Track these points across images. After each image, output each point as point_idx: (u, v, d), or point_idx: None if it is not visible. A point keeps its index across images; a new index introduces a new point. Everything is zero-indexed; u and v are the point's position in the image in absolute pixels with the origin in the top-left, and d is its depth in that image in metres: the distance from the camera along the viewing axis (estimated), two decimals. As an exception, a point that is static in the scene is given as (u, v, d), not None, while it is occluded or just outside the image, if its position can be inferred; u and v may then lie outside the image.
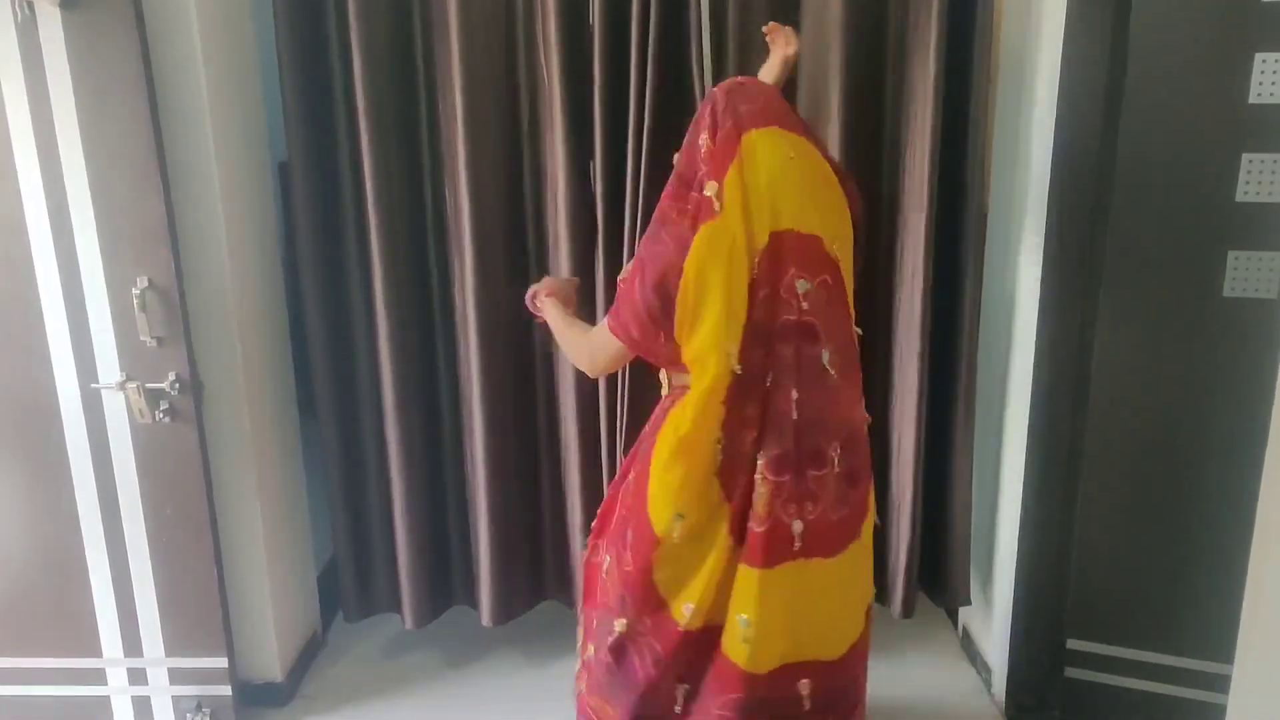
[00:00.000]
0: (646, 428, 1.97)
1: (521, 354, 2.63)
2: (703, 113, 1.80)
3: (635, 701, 1.93)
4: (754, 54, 2.37)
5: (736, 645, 1.84)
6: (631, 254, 2.46)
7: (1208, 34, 2.02)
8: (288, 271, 2.69)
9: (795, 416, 1.77)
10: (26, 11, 2.05)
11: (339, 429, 2.65)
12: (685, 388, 1.82)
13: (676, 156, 1.85)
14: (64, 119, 2.12)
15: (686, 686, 1.92)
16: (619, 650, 1.93)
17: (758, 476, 1.79)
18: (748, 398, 1.77)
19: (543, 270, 2.58)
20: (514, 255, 2.55)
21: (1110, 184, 2.15)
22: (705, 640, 1.88)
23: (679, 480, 1.80)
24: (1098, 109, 2.13)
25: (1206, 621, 2.22)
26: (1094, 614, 2.37)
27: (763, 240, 1.72)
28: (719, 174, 1.72)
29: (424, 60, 2.45)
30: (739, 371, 1.74)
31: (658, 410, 1.96)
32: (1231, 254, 2.07)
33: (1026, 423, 2.36)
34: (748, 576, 1.82)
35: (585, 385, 2.58)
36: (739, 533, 1.82)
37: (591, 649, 2.02)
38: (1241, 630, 1.75)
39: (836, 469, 1.83)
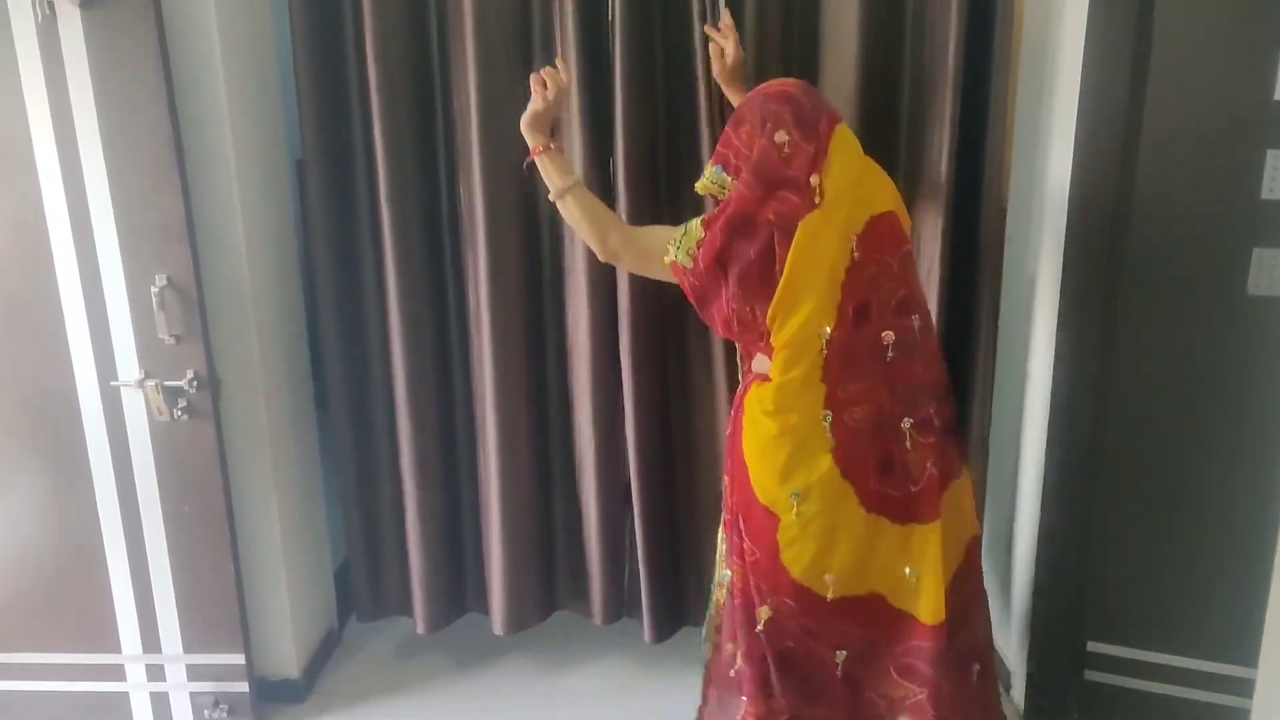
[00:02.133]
0: (730, 425, 2.03)
1: (537, 353, 2.61)
2: (774, 112, 1.82)
3: (795, 676, 2.02)
4: (771, 47, 2.36)
5: (912, 599, 1.95)
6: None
7: (1232, 29, 2.00)
8: (304, 269, 2.70)
9: (918, 382, 1.91)
10: (47, 11, 2.07)
11: (352, 429, 2.66)
12: (763, 376, 1.90)
13: (723, 156, 1.89)
14: (84, 118, 2.14)
15: (844, 653, 1.99)
16: (772, 634, 1.98)
17: (908, 443, 1.89)
18: (854, 374, 1.86)
19: (557, 269, 2.57)
20: (529, 253, 2.54)
21: (1133, 180, 2.12)
22: (861, 608, 1.96)
23: (785, 461, 1.88)
24: (1120, 104, 2.11)
25: (1229, 624, 2.19)
26: (1114, 617, 2.35)
27: (859, 225, 1.83)
28: (817, 168, 1.80)
29: (439, 57, 2.45)
30: (827, 353, 1.83)
31: (736, 403, 2.02)
32: (1256, 251, 2.04)
33: (1046, 422, 2.34)
34: (929, 532, 1.92)
35: (603, 387, 2.56)
36: (874, 501, 1.90)
37: (740, 660, 2.06)
38: (1265, 633, 1.72)
39: (937, 425, 1.95)
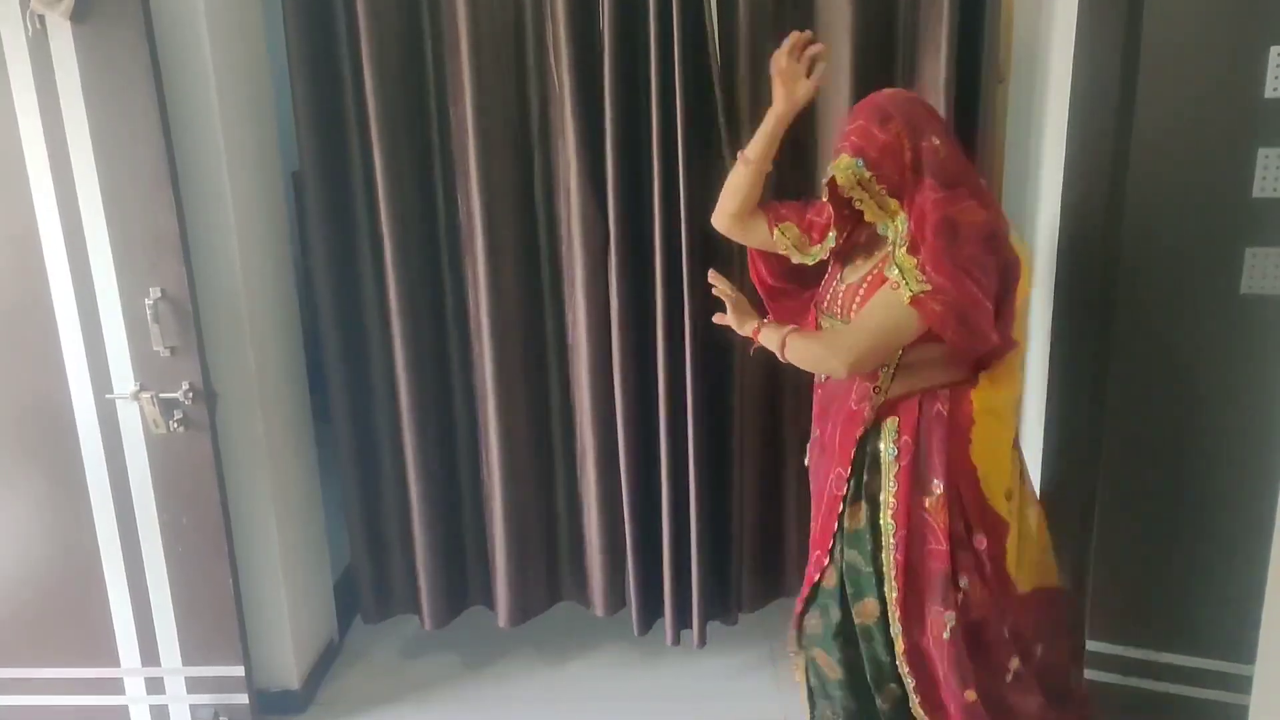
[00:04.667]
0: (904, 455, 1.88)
1: (536, 357, 2.63)
2: (925, 117, 1.81)
3: None
4: (764, 57, 2.36)
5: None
6: (644, 258, 2.46)
7: (1222, 28, 2.00)
8: (302, 279, 2.69)
9: None
10: (38, 25, 2.07)
11: (355, 434, 2.66)
12: (953, 383, 1.87)
13: (861, 149, 1.79)
14: (76, 131, 2.13)
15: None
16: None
17: None
18: None
19: (556, 275, 2.58)
20: (527, 260, 2.55)
21: (1125, 181, 2.13)
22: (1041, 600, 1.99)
23: (1014, 459, 1.95)
24: (1111, 105, 2.11)
25: (1227, 622, 2.19)
26: (1113, 616, 2.35)
27: None
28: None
29: (434, 68, 2.45)
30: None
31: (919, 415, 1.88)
32: (1249, 250, 2.05)
33: (1042, 423, 2.35)
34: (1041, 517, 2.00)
35: (601, 387, 2.58)
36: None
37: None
38: (1263, 630, 1.73)
39: None
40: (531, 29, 2.42)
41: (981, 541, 1.87)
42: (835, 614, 1.95)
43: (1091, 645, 2.38)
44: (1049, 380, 2.30)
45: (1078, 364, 2.25)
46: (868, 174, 1.78)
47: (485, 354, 2.55)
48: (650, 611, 2.74)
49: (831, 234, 1.95)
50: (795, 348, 1.87)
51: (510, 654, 2.91)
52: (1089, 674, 2.39)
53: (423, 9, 2.41)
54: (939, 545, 1.85)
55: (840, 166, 1.79)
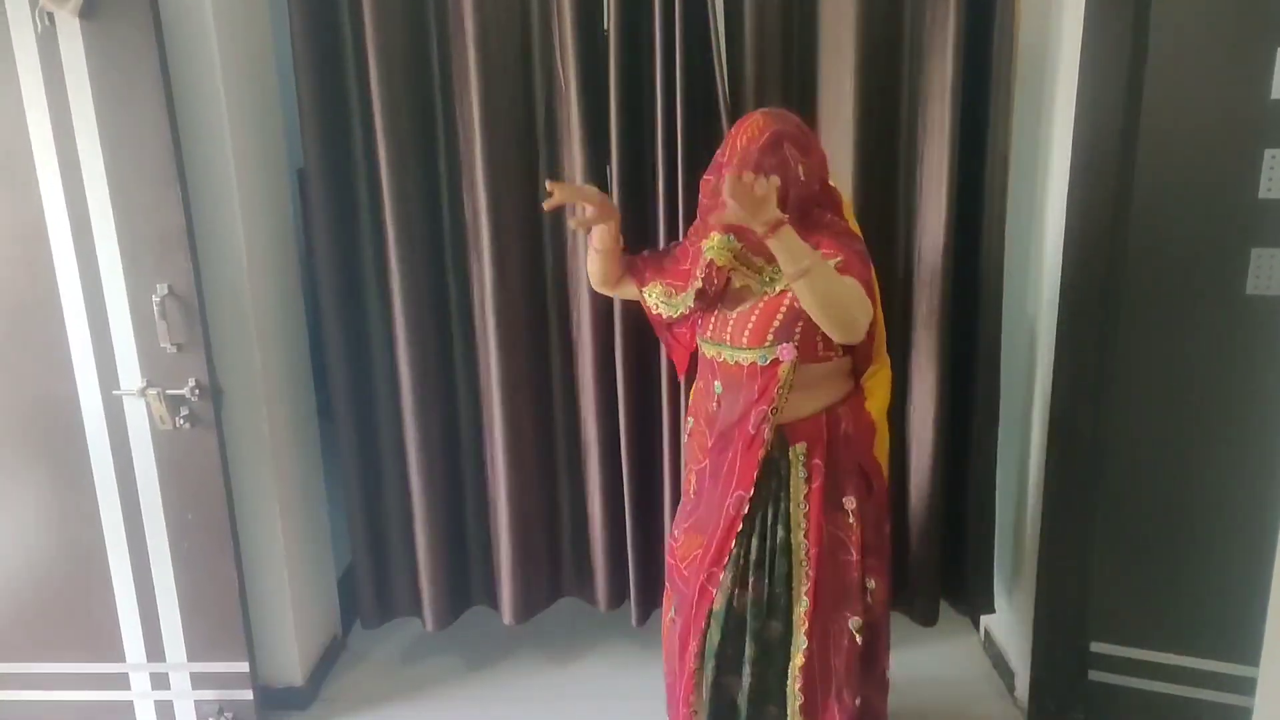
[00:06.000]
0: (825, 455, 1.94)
1: (539, 354, 2.64)
2: (803, 135, 1.89)
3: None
4: (768, 58, 2.37)
5: None
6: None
7: (1228, 30, 2.00)
8: (307, 276, 2.70)
9: None
10: (47, 23, 2.08)
11: (358, 433, 2.66)
12: (844, 399, 1.96)
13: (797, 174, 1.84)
14: (84, 128, 2.14)
15: None
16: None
17: None
18: None
19: (560, 273, 2.59)
20: (531, 258, 2.56)
21: (1131, 182, 2.13)
22: None
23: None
24: (1118, 107, 2.11)
25: (1230, 624, 2.19)
26: (1117, 617, 2.35)
27: None
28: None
29: (440, 66, 2.46)
30: None
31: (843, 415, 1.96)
32: (1255, 251, 2.05)
33: (1047, 422, 2.34)
34: None
35: (604, 384, 2.59)
36: None
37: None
38: (1266, 632, 1.73)
39: None
40: (537, 27, 2.43)
41: (885, 527, 2.04)
42: (717, 636, 2.00)
43: (1094, 646, 2.38)
44: (1054, 379, 2.30)
45: (1083, 362, 2.25)
46: (739, 245, 1.91)
47: (489, 351, 2.56)
48: (649, 602, 2.75)
49: (693, 286, 1.96)
50: (829, 275, 1.70)
51: (514, 652, 2.92)
52: (1094, 675, 2.39)
53: (428, 7, 2.42)
54: (851, 556, 1.95)
55: (713, 247, 1.91)
